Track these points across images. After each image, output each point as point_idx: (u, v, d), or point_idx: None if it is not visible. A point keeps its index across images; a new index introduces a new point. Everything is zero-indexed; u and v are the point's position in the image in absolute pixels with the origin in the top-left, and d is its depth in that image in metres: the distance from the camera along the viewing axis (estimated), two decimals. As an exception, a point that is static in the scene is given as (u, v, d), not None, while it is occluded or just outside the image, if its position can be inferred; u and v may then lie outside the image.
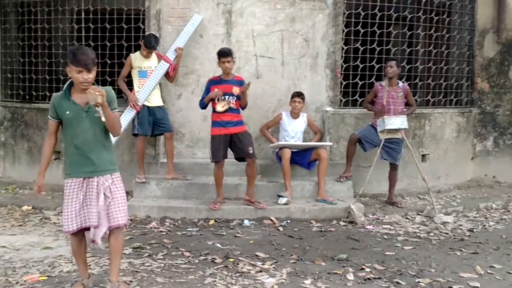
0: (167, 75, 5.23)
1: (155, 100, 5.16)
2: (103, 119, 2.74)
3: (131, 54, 5.17)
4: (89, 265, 3.46)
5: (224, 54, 4.66)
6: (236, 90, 4.69)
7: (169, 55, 5.22)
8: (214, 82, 4.79)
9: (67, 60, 2.79)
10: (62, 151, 5.73)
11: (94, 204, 2.83)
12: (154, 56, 5.17)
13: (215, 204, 4.76)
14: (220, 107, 4.70)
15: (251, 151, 4.70)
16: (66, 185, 2.87)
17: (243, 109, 4.87)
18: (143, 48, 5.06)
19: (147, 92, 5.07)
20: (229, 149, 4.80)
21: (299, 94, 5.27)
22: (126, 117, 5.03)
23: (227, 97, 4.71)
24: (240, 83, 4.74)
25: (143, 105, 5.06)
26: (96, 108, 2.73)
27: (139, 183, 5.04)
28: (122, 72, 5.13)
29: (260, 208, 4.74)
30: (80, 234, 2.93)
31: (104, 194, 2.83)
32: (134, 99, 5.03)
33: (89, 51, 2.77)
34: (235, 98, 4.72)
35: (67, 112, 2.79)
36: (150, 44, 5.01)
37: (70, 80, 2.83)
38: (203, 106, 4.81)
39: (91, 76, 2.76)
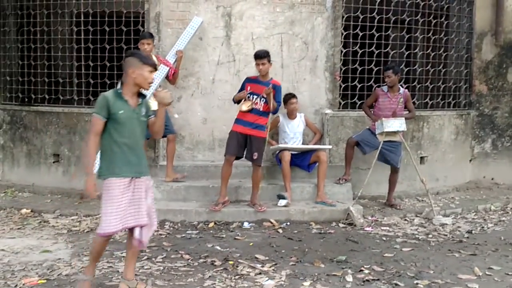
0: (167, 78, 5.23)
1: (156, 104, 5.13)
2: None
3: None
4: (89, 268, 3.47)
5: (257, 57, 4.71)
6: (265, 90, 4.67)
7: (169, 58, 5.23)
8: (250, 80, 4.86)
9: (132, 62, 2.87)
10: (62, 154, 5.76)
11: (143, 204, 2.89)
12: (154, 59, 5.16)
13: (216, 205, 4.76)
14: (244, 107, 4.75)
15: (255, 157, 4.73)
16: (110, 185, 2.83)
17: (273, 113, 4.90)
18: (140, 43, 4.98)
19: (147, 95, 5.05)
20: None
21: (293, 95, 5.29)
22: None
23: (255, 97, 4.74)
24: (274, 87, 4.72)
25: None
26: (165, 107, 2.97)
27: None
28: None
29: (259, 211, 4.75)
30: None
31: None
32: None
33: None
34: (264, 101, 4.74)
35: (121, 112, 2.83)
36: (145, 35, 5.00)
37: (120, 81, 2.92)
38: (234, 102, 4.93)
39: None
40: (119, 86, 2.91)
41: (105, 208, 2.84)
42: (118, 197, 2.81)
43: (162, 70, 5.14)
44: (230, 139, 4.81)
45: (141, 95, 2.96)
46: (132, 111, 2.88)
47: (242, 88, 4.87)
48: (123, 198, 2.83)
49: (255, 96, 4.75)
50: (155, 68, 2.94)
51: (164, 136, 5.25)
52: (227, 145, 4.81)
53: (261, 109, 4.76)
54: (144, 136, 3.04)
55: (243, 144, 4.79)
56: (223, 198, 4.80)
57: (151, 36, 5.08)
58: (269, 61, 4.73)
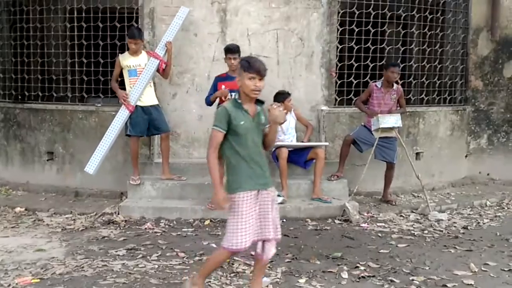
0: (160, 72, 5.14)
1: (148, 99, 5.06)
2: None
3: (119, 54, 5.07)
4: (82, 267, 3.45)
5: (231, 51, 4.72)
6: None
7: (158, 51, 5.13)
8: (221, 78, 4.84)
9: (239, 70, 2.71)
10: (56, 152, 5.72)
11: (270, 217, 2.76)
12: (143, 54, 5.06)
13: (213, 203, 4.74)
14: None
15: None
16: (238, 199, 2.69)
17: None
18: (128, 42, 4.95)
19: (138, 91, 4.96)
20: None
21: (289, 93, 5.24)
22: (119, 117, 4.96)
23: (233, 94, 4.72)
24: None
25: (136, 105, 4.99)
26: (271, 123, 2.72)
27: (133, 185, 5.01)
28: (113, 73, 5.06)
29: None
30: None
31: None
32: (122, 94, 4.93)
33: (260, 60, 2.75)
34: None
35: (242, 122, 2.69)
36: (133, 34, 4.91)
37: (237, 91, 2.78)
38: (209, 103, 4.87)
39: (262, 84, 2.70)
40: (234, 96, 2.77)
41: (234, 223, 2.68)
42: (246, 212, 2.69)
43: (152, 64, 5.03)
44: None
45: (258, 102, 2.77)
46: (251, 121, 2.71)
47: (215, 88, 4.84)
48: (254, 212, 2.71)
49: (233, 93, 4.73)
50: (260, 75, 2.68)
51: (157, 134, 5.23)
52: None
53: None
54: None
55: None
56: None
57: (139, 35, 4.99)
58: (239, 56, 4.72)
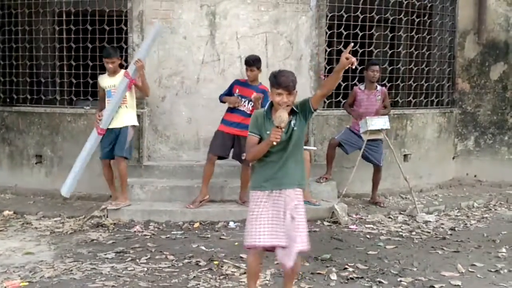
0: (140, 89, 4.83)
1: (115, 121, 4.72)
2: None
3: (99, 75, 4.92)
4: (71, 270, 3.44)
5: (246, 63, 4.80)
6: (255, 96, 4.72)
7: (130, 69, 4.77)
8: (238, 82, 4.92)
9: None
10: (44, 155, 5.68)
11: (281, 222, 2.77)
12: (120, 73, 4.74)
13: (192, 203, 4.79)
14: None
15: (244, 157, 4.75)
16: (251, 197, 2.82)
17: None
18: (104, 62, 4.74)
19: (107, 114, 4.67)
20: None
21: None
22: (90, 139, 4.71)
23: (243, 99, 4.81)
24: (262, 91, 4.74)
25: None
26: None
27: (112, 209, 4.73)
28: (99, 95, 4.90)
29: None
30: None
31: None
32: (96, 116, 4.73)
33: (289, 73, 2.70)
34: (251, 104, 4.79)
35: (268, 132, 2.71)
36: (108, 53, 4.70)
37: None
38: (221, 100, 4.95)
39: (291, 99, 2.68)
40: (267, 105, 2.80)
41: (247, 220, 2.78)
42: (255, 210, 2.73)
43: (122, 84, 4.70)
44: (215, 138, 4.87)
45: (292, 112, 2.72)
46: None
47: (230, 89, 4.92)
48: (261, 213, 2.72)
49: (243, 99, 4.81)
50: (287, 91, 2.64)
51: (112, 158, 4.80)
52: (211, 144, 4.88)
53: (248, 112, 4.81)
54: (301, 146, 2.86)
55: (228, 144, 4.84)
56: (202, 197, 4.82)
57: (115, 53, 4.77)
58: (258, 67, 4.79)
